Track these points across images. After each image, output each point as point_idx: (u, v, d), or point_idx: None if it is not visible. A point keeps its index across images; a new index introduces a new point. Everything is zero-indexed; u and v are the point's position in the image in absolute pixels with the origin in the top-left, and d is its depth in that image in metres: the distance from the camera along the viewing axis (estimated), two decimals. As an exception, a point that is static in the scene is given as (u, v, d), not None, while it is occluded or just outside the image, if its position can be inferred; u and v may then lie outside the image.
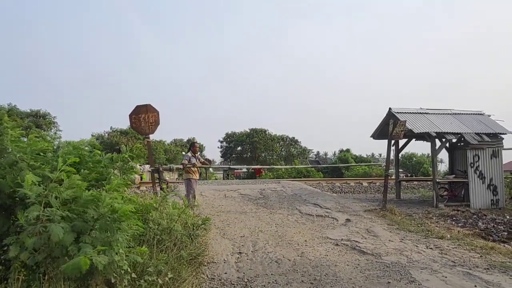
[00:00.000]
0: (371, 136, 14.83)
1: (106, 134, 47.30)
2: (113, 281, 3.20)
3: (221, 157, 63.48)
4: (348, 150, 60.43)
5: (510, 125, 13.30)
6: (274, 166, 27.33)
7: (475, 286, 4.69)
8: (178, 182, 18.17)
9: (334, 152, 79.36)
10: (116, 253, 3.20)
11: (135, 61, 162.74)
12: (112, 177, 4.06)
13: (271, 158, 57.05)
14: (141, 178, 18.21)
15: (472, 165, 12.10)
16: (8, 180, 3.35)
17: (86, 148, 4.45)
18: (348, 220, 9.11)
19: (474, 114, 13.99)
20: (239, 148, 60.79)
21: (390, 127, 11.24)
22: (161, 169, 9.01)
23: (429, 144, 12.82)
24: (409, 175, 46.34)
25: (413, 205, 12.33)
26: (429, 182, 18.30)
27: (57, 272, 3.05)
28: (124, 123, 50.54)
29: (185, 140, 60.47)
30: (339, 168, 33.47)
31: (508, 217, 10.19)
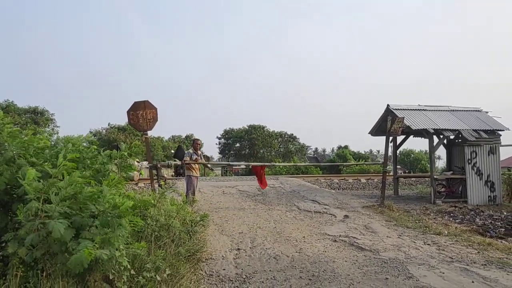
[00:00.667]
0: (369, 133, 14.83)
1: (104, 131, 47.18)
2: (111, 277, 3.20)
3: (219, 153, 63.50)
4: (346, 147, 60.55)
5: (507, 121, 13.31)
6: (275, 164, 27.23)
7: (473, 282, 4.71)
8: (176, 179, 18.18)
9: (333, 149, 79.63)
10: (116, 249, 3.20)
11: (134, 58, 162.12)
12: (110, 173, 4.05)
13: (269, 155, 57.05)
14: (140, 175, 18.23)
15: (469, 161, 12.14)
16: (6, 176, 3.34)
17: (84, 144, 4.44)
18: (346, 216, 9.13)
19: (471, 110, 14.00)
20: (237, 145, 60.78)
21: (388, 124, 11.24)
22: (159, 165, 9.01)
23: (427, 140, 12.84)
24: (407, 171, 46.49)
25: (411, 202, 12.37)
26: (427, 179, 18.31)
27: (55, 268, 3.05)
28: (122, 120, 50.48)
29: (184, 137, 60.45)
30: (336, 164, 33.48)
31: (505, 213, 10.23)
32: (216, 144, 63.07)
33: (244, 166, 40.60)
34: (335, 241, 6.83)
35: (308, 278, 4.82)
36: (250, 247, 6.32)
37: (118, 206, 3.23)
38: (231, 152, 61.30)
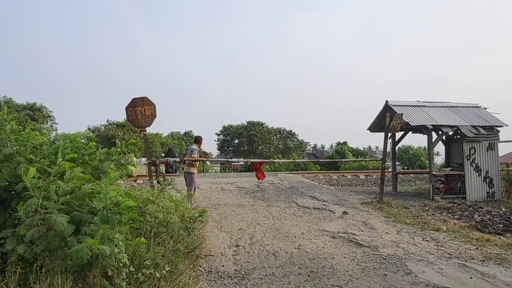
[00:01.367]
0: (368, 129, 14.83)
1: (103, 127, 47.06)
2: (110, 274, 3.19)
3: (218, 150, 63.43)
4: (345, 143, 60.60)
5: (506, 117, 13.32)
6: (273, 160, 27.22)
7: (471, 277, 4.73)
8: (175, 175, 18.16)
9: (331, 145, 79.63)
10: (116, 245, 3.20)
11: (132, 54, 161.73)
12: (108, 171, 4.04)
13: (268, 151, 57.03)
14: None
15: (468, 157, 12.15)
16: (5, 173, 3.34)
17: (83, 140, 4.43)
18: (345, 212, 9.14)
19: (470, 107, 14.00)
20: (236, 141, 60.74)
21: (387, 120, 11.23)
22: (157, 162, 9.00)
23: (425, 137, 12.85)
24: (405, 167, 46.55)
25: (410, 198, 12.39)
26: (425, 175, 18.36)
27: (54, 265, 3.05)
28: (120, 116, 50.35)
29: (182, 133, 60.36)
30: (336, 161, 33.52)
31: (503, 209, 10.26)
32: (215, 140, 62.98)
33: (242, 163, 40.64)
34: (334, 237, 6.84)
35: (307, 274, 4.83)
36: (249, 244, 6.32)
37: (119, 203, 3.23)
38: (230, 148, 61.26)
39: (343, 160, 30.77)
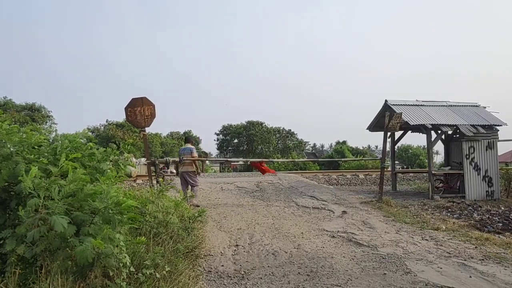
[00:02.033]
0: (367, 128, 14.85)
1: (102, 127, 47.02)
2: (111, 274, 3.20)
3: (217, 149, 63.39)
4: (344, 142, 60.59)
5: (505, 116, 13.34)
6: (273, 160, 27.23)
7: (470, 276, 4.74)
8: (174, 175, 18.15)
9: (331, 144, 79.62)
10: (116, 246, 3.20)
11: (132, 53, 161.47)
12: (108, 171, 4.04)
13: (268, 151, 57.02)
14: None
15: (467, 156, 12.17)
16: (3, 173, 3.34)
17: (82, 140, 4.43)
18: (344, 212, 9.15)
19: (469, 106, 14.02)
20: (235, 141, 60.71)
21: (386, 119, 11.24)
22: (157, 162, 9.01)
23: (425, 136, 12.86)
24: (405, 167, 46.58)
25: (409, 197, 12.41)
26: (425, 174, 18.38)
27: (54, 265, 3.05)
28: (120, 116, 50.32)
29: (182, 133, 60.34)
30: (335, 160, 33.57)
31: (503, 208, 10.28)
32: (215, 140, 62.94)
33: (242, 162, 40.63)
34: (333, 236, 6.84)
35: (306, 274, 4.84)
36: (248, 243, 6.33)
37: (120, 203, 3.24)
38: (229, 148, 61.24)
39: (343, 159, 30.81)
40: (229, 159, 37.58)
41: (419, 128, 13.14)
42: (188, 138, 11.45)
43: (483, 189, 12.12)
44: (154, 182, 8.52)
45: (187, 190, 9.54)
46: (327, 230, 7.32)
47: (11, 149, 3.52)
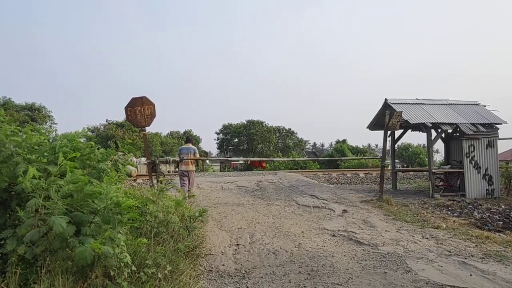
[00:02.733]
0: (367, 127, 14.85)
1: (102, 127, 47.04)
2: (112, 274, 3.20)
3: (218, 148, 63.43)
4: (344, 141, 60.52)
5: (505, 114, 13.34)
6: (273, 159, 27.25)
7: (471, 275, 4.74)
8: (175, 174, 18.16)
9: (331, 143, 79.56)
10: (117, 245, 3.21)
11: (132, 53, 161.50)
12: (108, 171, 4.04)
13: (268, 150, 57.04)
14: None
15: (467, 155, 12.17)
16: (4, 174, 3.34)
17: (82, 140, 4.42)
18: (344, 211, 9.16)
19: (469, 104, 14.02)
20: (235, 140, 60.73)
21: (386, 118, 11.25)
22: (157, 161, 9.01)
23: (425, 134, 12.86)
24: (405, 165, 46.56)
25: (409, 196, 12.41)
26: (425, 173, 18.41)
27: (55, 265, 3.05)
28: (120, 116, 50.32)
29: (182, 132, 60.35)
30: (335, 159, 33.57)
31: (503, 206, 10.28)
32: (215, 139, 63.00)
33: (242, 162, 40.66)
34: (334, 235, 6.85)
35: (307, 273, 4.84)
36: (249, 243, 6.33)
37: (120, 203, 3.24)
38: (230, 147, 61.26)
39: (343, 158, 30.82)
40: (229, 159, 37.58)
41: (419, 127, 13.13)
42: (189, 137, 11.71)
43: (483, 187, 12.12)
44: (155, 181, 8.52)
45: (186, 188, 9.93)
46: (327, 229, 7.32)
47: (11, 150, 3.52)
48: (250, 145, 57.73)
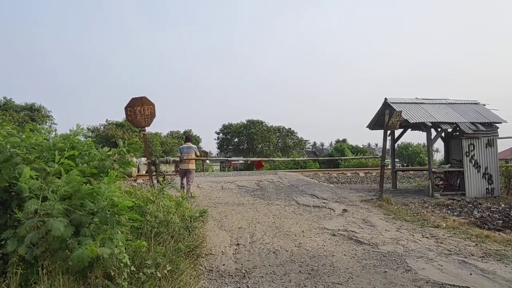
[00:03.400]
0: (367, 127, 14.84)
1: (102, 127, 47.00)
2: (112, 274, 3.21)
3: (218, 148, 63.37)
4: (344, 140, 60.50)
5: (504, 113, 13.33)
6: (273, 159, 27.24)
7: (471, 274, 4.75)
8: (175, 174, 18.15)
9: (331, 143, 79.60)
10: (116, 246, 3.21)
11: (132, 53, 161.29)
12: (109, 170, 4.04)
13: (268, 150, 57.00)
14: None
15: (467, 154, 12.17)
16: (4, 174, 3.34)
17: (81, 139, 4.41)
18: (345, 210, 9.16)
19: (469, 103, 14.02)
20: (235, 140, 60.67)
21: (386, 118, 11.25)
22: (157, 161, 9.02)
23: (425, 134, 12.86)
24: (405, 164, 46.54)
25: (409, 195, 12.41)
26: (425, 172, 18.40)
27: (55, 266, 3.05)
28: (120, 116, 50.32)
29: (182, 132, 60.30)
30: (335, 158, 33.56)
31: (503, 205, 10.28)
32: (215, 139, 62.92)
33: (242, 161, 40.65)
34: (334, 235, 6.85)
35: (307, 272, 4.85)
36: (249, 242, 6.34)
37: (116, 204, 3.24)
38: (230, 147, 61.21)
39: (343, 157, 30.80)
40: (229, 158, 37.58)
41: (419, 126, 13.13)
42: (188, 137, 11.81)
43: (483, 186, 12.12)
44: (155, 181, 8.52)
45: (185, 187, 10.31)
46: (327, 229, 7.33)
47: (11, 151, 3.52)
48: (250, 145, 57.69)
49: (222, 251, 5.77)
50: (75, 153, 3.72)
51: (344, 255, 5.60)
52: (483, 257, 5.50)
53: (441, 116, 12.60)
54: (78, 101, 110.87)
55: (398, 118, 11.16)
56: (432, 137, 12.52)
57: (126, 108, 8.44)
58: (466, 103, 14.00)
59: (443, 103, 13.83)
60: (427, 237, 6.66)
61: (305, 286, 4.39)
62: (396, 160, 17.49)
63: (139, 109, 8.41)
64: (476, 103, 14.02)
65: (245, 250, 5.88)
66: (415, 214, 8.81)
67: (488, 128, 12.40)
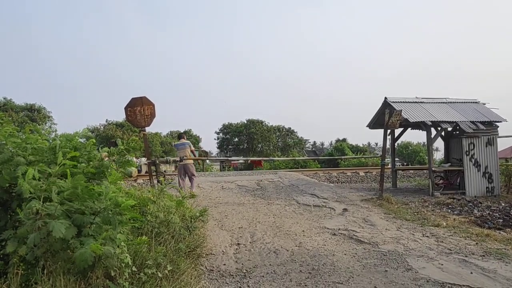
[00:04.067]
0: (367, 126, 14.83)
1: (102, 127, 47.04)
2: (113, 274, 3.21)
3: (218, 148, 63.43)
4: (344, 140, 60.63)
5: (505, 112, 13.33)
6: (273, 158, 27.26)
7: (471, 273, 4.75)
8: (175, 174, 18.15)
9: (331, 142, 79.64)
10: (118, 246, 3.21)
11: (132, 53, 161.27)
12: (110, 170, 4.04)
13: (268, 149, 57.04)
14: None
15: (467, 153, 12.17)
16: (5, 175, 3.34)
17: (82, 140, 4.42)
18: (345, 209, 9.16)
19: (469, 102, 14.01)
20: (235, 139, 60.72)
21: (386, 117, 11.25)
22: (157, 161, 9.02)
23: (424, 133, 12.85)
24: (405, 164, 46.56)
25: (409, 194, 12.41)
26: (425, 171, 18.40)
27: (56, 266, 3.05)
28: (120, 116, 50.35)
29: (182, 132, 60.29)
30: (335, 158, 33.56)
31: (503, 204, 10.29)
32: (215, 139, 63.00)
33: (242, 161, 40.66)
34: (334, 234, 6.86)
35: (308, 271, 4.85)
36: (250, 242, 6.34)
37: (119, 203, 3.24)
38: (230, 147, 61.26)
39: (343, 157, 30.79)
40: (229, 158, 37.58)
41: (419, 125, 13.12)
42: (180, 134, 12.01)
43: (483, 185, 12.12)
44: (155, 181, 8.52)
45: (185, 182, 10.54)
46: (328, 228, 7.33)
47: (12, 151, 3.52)
48: (250, 144, 57.72)
49: (222, 251, 5.77)
50: (77, 154, 3.72)
51: (345, 254, 5.60)
52: (483, 256, 5.50)
53: (441, 115, 12.59)
54: (78, 101, 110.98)
55: (398, 117, 11.16)
56: (432, 136, 12.51)
57: (126, 108, 8.45)
58: (466, 102, 13.99)
59: (443, 102, 13.82)
60: (427, 236, 6.66)
61: (305, 285, 4.39)
62: (396, 159, 17.47)
63: (139, 109, 8.41)
64: (476, 102, 14.01)
65: (246, 250, 5.88)
66: (415, 213, 8.82)
67: (488, 127, 12.40)
